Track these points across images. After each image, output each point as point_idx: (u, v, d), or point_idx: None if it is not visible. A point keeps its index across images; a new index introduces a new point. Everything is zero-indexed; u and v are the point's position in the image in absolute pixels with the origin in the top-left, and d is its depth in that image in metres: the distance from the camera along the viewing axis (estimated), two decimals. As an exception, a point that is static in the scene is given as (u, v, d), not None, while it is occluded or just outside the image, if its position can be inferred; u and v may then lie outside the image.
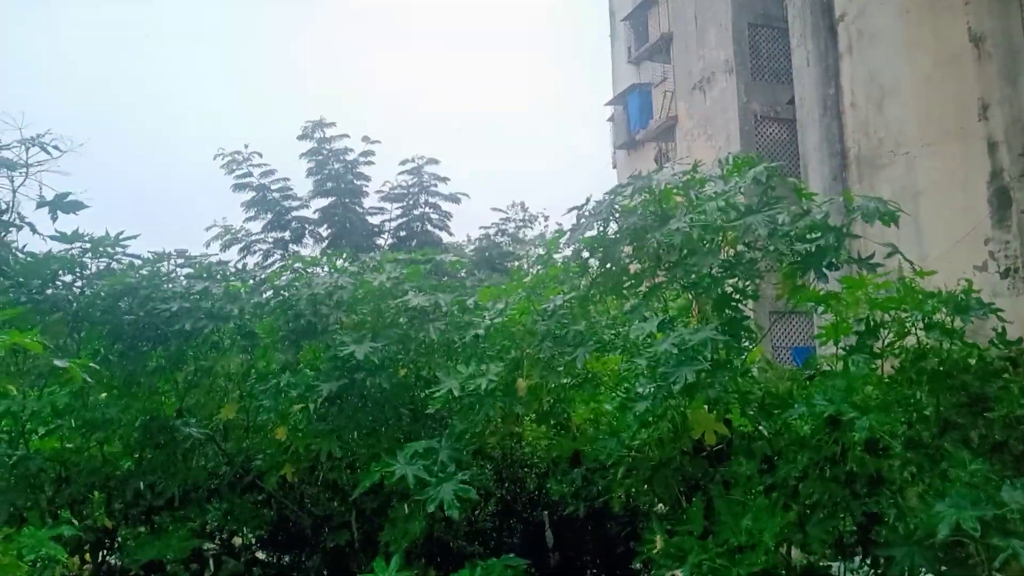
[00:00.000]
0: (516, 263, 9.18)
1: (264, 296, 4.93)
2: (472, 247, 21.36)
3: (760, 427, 3.95)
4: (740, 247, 4.01)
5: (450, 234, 21.71)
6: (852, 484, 3.28)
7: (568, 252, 4.43)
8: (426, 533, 4.00)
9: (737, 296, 3.96)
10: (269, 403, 4.42)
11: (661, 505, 5.33)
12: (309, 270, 5.04)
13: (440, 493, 3.67)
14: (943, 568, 2.77)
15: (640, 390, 3.81)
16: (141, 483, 4.42)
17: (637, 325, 3.80)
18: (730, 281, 3.91)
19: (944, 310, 3.88)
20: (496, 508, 6.77)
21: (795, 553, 4.25)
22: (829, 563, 4.02)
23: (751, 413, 4.00)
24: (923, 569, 2.81)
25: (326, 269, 5.04)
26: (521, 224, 22.78)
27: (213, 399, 4.88)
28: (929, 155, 12.25)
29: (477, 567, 3.53)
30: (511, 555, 3.88)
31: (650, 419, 4.03)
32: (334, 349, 4.37)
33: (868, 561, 3.79)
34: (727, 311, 3.93)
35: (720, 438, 4.30)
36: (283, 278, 4.97)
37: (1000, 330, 3.96)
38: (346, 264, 5.03)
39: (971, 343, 3.98)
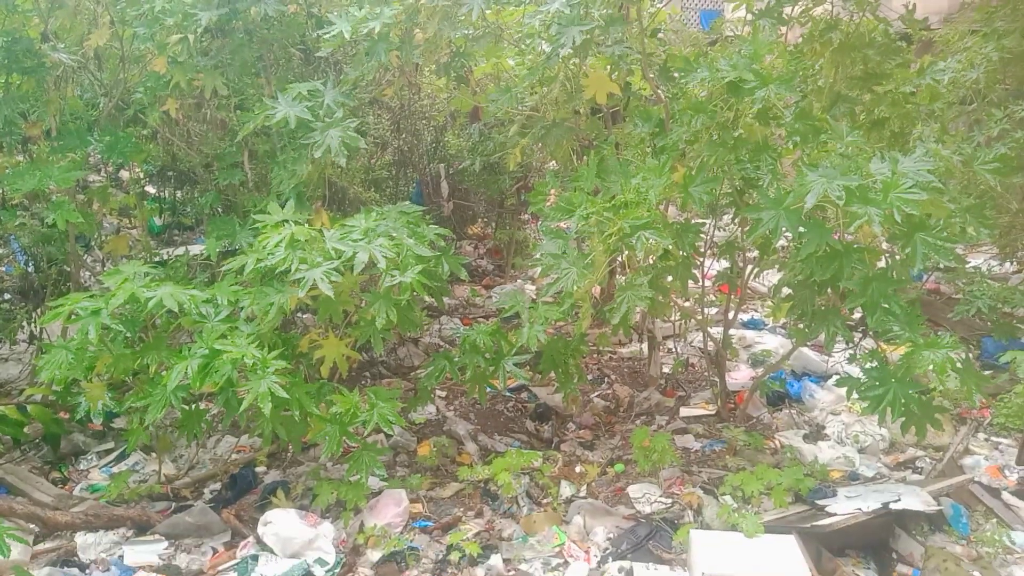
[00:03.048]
0: None
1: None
2: None
3: (659, 90, 3.95)
4: None
5: None
6: (738, 150, 3.40)
7: None
8: (320, 178, 4.01)
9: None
10: (143, 31, 4.05)
11: (554, 163, 5.48)
12: None
13: (327, 139, 3.61)
14: (801, 229, 3.01)
15: (535, 48, 3.68)
16: (11, 109, 4.11)
17: None
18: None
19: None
20: (393, 158, 6.82)
21: (672, 210, 4.55)
22: (702, 220, 4.34)
23: (652, 76, 3.98)
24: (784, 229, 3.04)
25: None
26: None
27: (81, 23, 4.42)
28: None
29: (373, 212, 3.62)
30: (407, 203, 3.98)
31: (544, 78, 3.97)
32: (213, -27, 3.94)
33: (736, 220, 4.11)
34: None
35: (617, 100, 4.32)
36: None
37: (911, 6, 3.93)
38: None
39: (882, 18, 3.96)
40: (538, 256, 3.61)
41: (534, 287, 6.66)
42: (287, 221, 3.43)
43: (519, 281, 7.06)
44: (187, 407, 3.47)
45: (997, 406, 4.37)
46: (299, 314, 4.37)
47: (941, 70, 4.34)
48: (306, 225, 3.42)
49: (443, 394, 4.91)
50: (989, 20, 6.14)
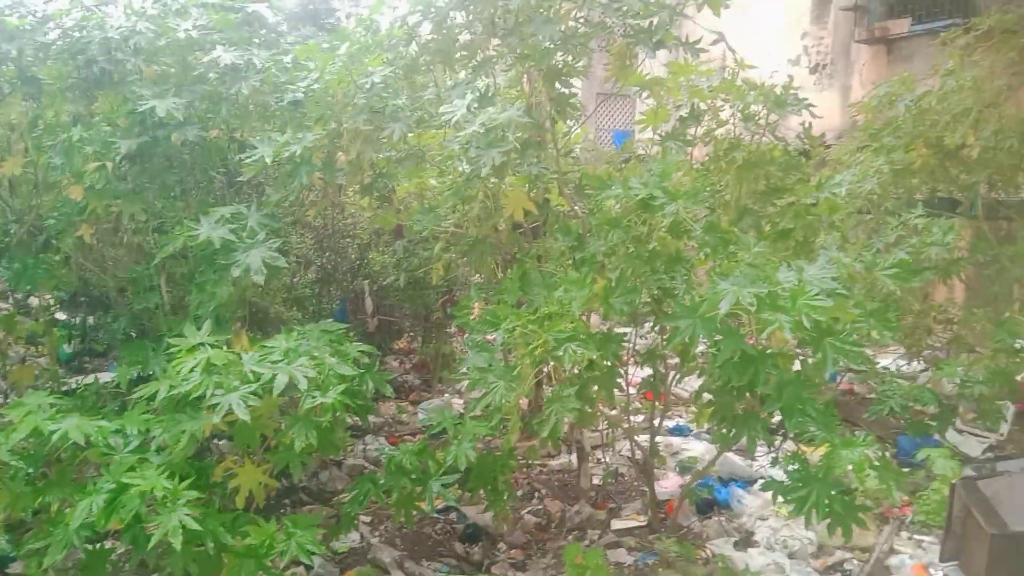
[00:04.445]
0: (344, 22, 8.52)
1: (48, 37, 4.31)
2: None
3: (576, 207, 4.10)
4: (572, 22, 3.92)
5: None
6: (653, 262, 3.52)
7: (396, 15, 4.13)
8: (240, 299, 3.95)
9: (567, 72, 3.93)
10: (60, 160, 4.02)
11: (479, 277, 5.56)
12: (102, 9, 4.42)
13: (248, 259, 3.60)
14: (717, 337, 3.11)
15: (456, 169, 3.81)
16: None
17: (447, 105, 3.70)
18: (559, 56, 3.85)
19: (763, 103, 4.07)
20: (316, 276, 6.79)
21: (595, 319, 4.63)
22: (624, 330, 4.43)
23: (568, 193, 4.13)
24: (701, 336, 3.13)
25: (121, 9, 4.44)
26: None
27: (-7, 149, 4.37)
28: (764, -56, 12.24)
29: (294, 331, 3.57)
30: (330, 321, 3.95)
31: (464, 197, 4.08)
32: (133, 102, 3.97)
33: (656, 328, 4.20)
34: (557, 86, 3.92)
35: (537, 216, 4.45)
36: (71, 16, 4.33)
37: (807, 125, 4.23)
38: (144, 7, 4.43)
39: (781, 137, 4.24)
40: (465, 370, 3.60)
41: (462, 401, 6.59)
42: (203, 345, 3.34)
43: (446, 396, 6.98)
44: (91, 547, 3.24)
45: (917, 503, 4.46)
46: (214, 441, 4.20)
47: (838, 183, 4.63)
48: (224, 348, 3.34)
49: (368, 519, 4.72)
50: (877, 136, 6.65)
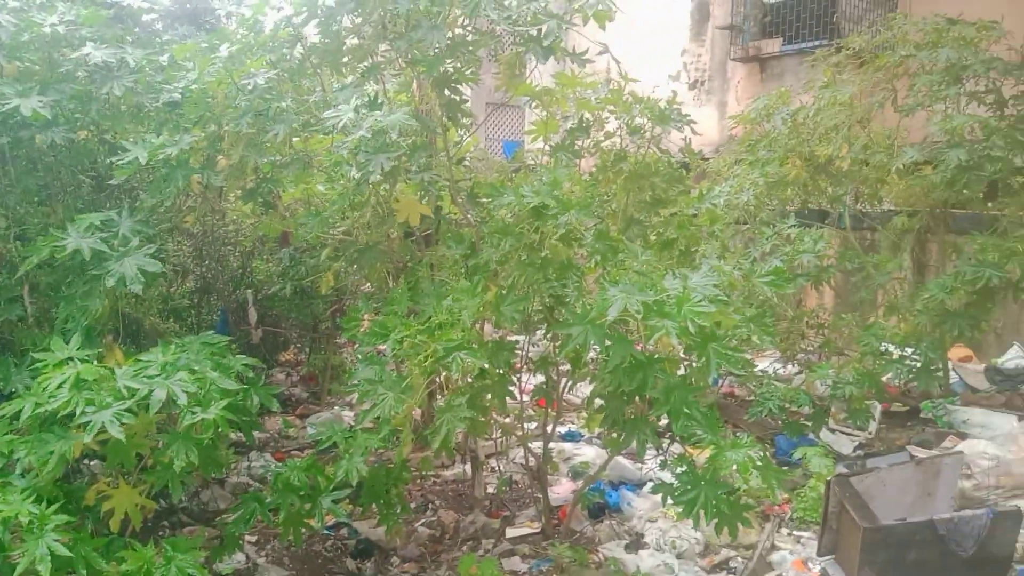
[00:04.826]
0: (224, 22, 8.22)
1: None
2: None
3: (469, 215, 4.08)
4: (459, 29, 3.92)
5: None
6: (545, 269, 3.55)
7: (281, 15, 4.01)
8: (113, 310, 3.72)
9: (456, 78, 3.91)
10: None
11: (369, 286, 5.46)
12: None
13: (122, 267, 3.40)
14: (607, 343, 3.17)
15: (345, 174, 3.73)
16: None
17: (332, 111, 3.62)
18: (449, 62, 3.83)
19: (647, 117, 4.18)
20: (196, 286, 6.50)
21: (488, 328, 4.63)
22: (516, 338, 4.45)
23: (461, 201, 4.12)
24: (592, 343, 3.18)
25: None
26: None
27: None
28: (647, -38, 12.68)
29: (172, 344, 3.39)
30: (211, 333, 3.77)
31: (355, 203, 4.00)
32: (-9, 101, 3.69)
33: (548, 336, 4.24)
34: (447, 92, 3.89)
35: (429, 224, 4.41)
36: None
37: (688, 139, 4.37)
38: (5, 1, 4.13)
39: (665, 150, 4.37)
40: (355, 382, 3.51)
41: (352, 414, 6.44)
42: (72, 359, 3.13)
43: (336, 409, 6.81)
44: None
45: (795, 501, 4.67)
46: (85, 461, 3.93)
47: (717, 195, 4.83)
48: (95, 363, 3.13)
49: (253, 539, 4.53)
50: (752, 150, 6.98)
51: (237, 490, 5.05)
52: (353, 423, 5.18)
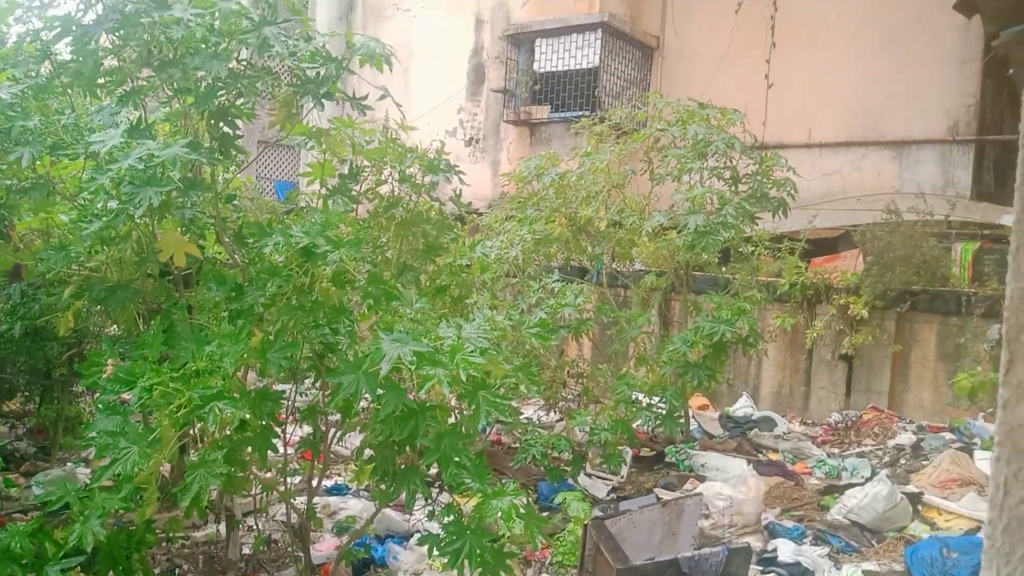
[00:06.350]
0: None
1: None
2: None
3: (235, 255, 3.87)
4: (234, 63, 3.76)
5: None
6: (316, 313, 3.44)
7: (27, 28, 3.62)
8: None
9: (232, 112, 3.73)
10: None
11: (115, 328, 4.97)
12: None
13: None
14: (380, 392, 3.12)
15: (101, 206, 3.40)
16: None
17: (98, 135, 3.31)
18: (222, 94, 3.65)
19: (419, 166, 4.24)
20: None
21: (251, 376, 4.38)
22: (283, 387, 4.24)
23: (227, 240, 3.90)
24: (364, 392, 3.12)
25: None
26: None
27: None
28: (427, 18, 13.08)
29: None
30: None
31: (110, 237, 3.65)
32: None
33: (318, 385, 4.10)
34: (222, 126, 3.70)
35: (190, 263, 4.13)
36: None
37: (458, 192, 4.50)
38: None
39: (435, 198, 4.45)
40: (92, 435, 3.15)
41: (88, 471, 5.77)
42: None
43: (69, 465, 6.07)
44: None
45: (555, 545, 4.84)
46: None
47: (489, 247, 5.00)
48: None
49: (-44, 620, 3.87)
50: (522, 208, 7.33)
51: (-64, 564, 4.31)
52: (88, 482, 4.65)
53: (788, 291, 8.30)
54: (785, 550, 4.84)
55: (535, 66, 11.79)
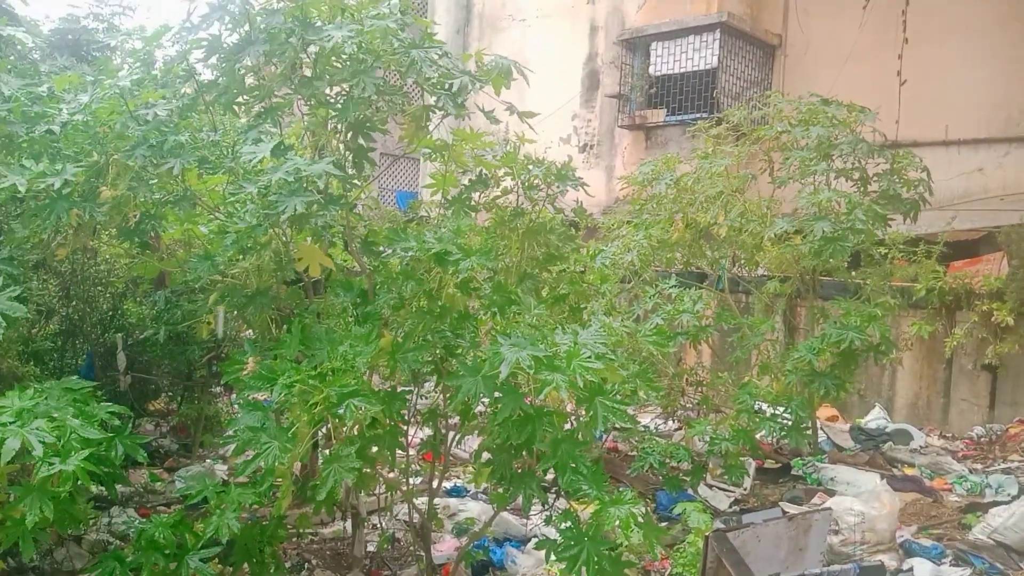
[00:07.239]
0: (108, 54, 7.92)
1: None
2: (53, 26, 17.86)
3: (361, 262, 4.03)
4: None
5: (25, 3, 17.78)
6: (443, 319, 3.53)
7: (176, 50, 3.90)
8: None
9: (371, 125, 3.89)
10: None
11: (250, 333, 5.26)
12: None
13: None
14: (498, 395, 3.17)
15: (245, 216, 3.61)
16: None
17: (248, 148, 3.52)
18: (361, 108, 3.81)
19: (542, 177, 4.28)
20: (60, 327, 6.09)
21: (375, 379, 4.54)
22: (407, 388, 4.37)
23: (354, 247, 4.06)
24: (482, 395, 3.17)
25: None
26: (120, 11, 19.54)
27: None
28: (541, 27, 13.19)
29: (30, 389, 3.14)
30: (75, 378, 3.52)
31: (251, 246, 3.87)
32: None
33: (438, 388, 4.19)
34: (360, 140, 3.86)
35: (320, 271, 4.32)
36: None
37: (578, 200, 4.51)
38: None
39: (559, 209, 4.48)
40: (232, 432, 3.34)
41: (226, 468, 6.13)
42: (-87, 402, 2.85)
43: (208, 462, 6.46)
44: None
45: (674, 556, 4.75)
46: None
47: (606, 255, 4.98)
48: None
49: (112, 601, 4.19)
50: (638, 212, 7.26)
51: (96, 548, 4.67)
52: (226, 477, 4.93)
53: (925, 297, 7.83)
54: (922, 570, 4.56)
55: (651, 69, 11.67)
